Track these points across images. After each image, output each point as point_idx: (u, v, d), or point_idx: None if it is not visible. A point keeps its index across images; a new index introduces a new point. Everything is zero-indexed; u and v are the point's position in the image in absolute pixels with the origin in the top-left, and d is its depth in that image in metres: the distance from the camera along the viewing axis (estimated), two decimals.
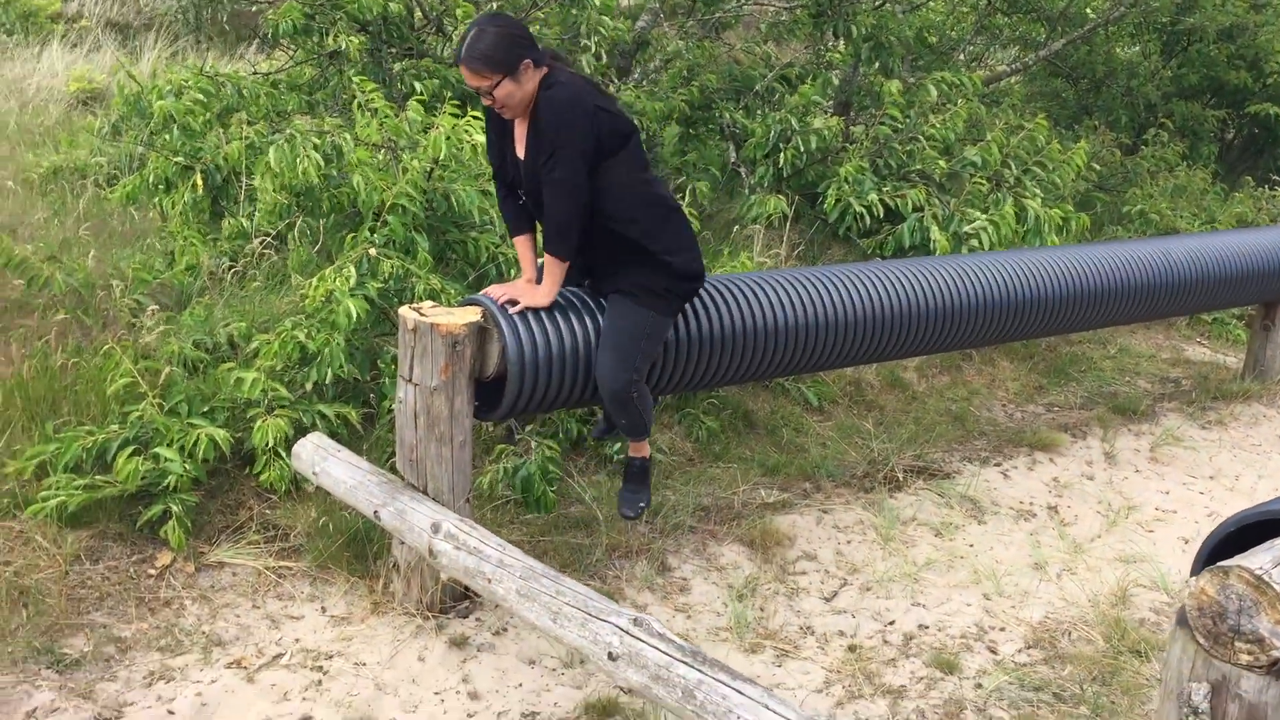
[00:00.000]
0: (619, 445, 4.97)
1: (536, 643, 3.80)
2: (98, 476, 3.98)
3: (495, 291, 3.70)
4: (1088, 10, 10.36)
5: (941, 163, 7.03)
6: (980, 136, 7.54)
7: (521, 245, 3.81)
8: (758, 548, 4.50)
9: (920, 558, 4.56)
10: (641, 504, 3.99)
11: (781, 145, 6.98)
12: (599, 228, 3.59)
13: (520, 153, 3.60)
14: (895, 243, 6.67)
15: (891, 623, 4.11)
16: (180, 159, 6.04)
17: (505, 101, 3.45)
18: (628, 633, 3.04)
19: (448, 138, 5.00)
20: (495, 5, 7.07)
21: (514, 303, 3.65)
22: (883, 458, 5.33)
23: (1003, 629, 4.12)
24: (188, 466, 4.04)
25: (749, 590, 4.21)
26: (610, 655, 3.02)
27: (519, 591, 3.29)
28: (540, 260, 3.71)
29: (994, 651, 3.97)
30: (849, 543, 4.65)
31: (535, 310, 3.68)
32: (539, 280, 3.72)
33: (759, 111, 7.37)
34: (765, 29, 7.89)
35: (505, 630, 3.87)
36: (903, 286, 4.61)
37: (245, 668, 3.57)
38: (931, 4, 8.45)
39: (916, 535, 4.76)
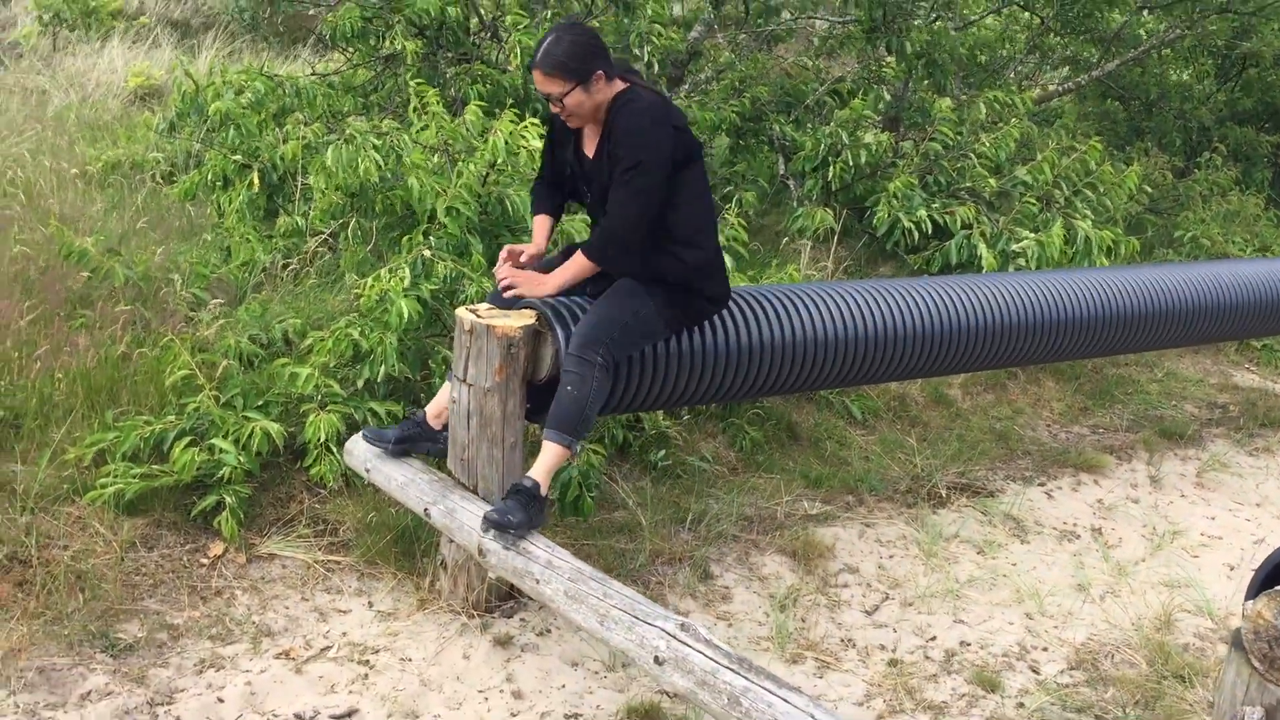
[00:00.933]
0: (664, 452, 5.00)
1: (580, 645, 3.83)
2: (154, 466, 4.06)
3: (501, 272, 3.71)
4: (1141, 32, 10.29)
5: (991, 181, 7.03)
6: (1031, 156, 7.52)
7: (541, 222, 3.83)
8: (800, 559, 4.51)
9: (962, 575, 4.56)
10: (510, 518, 3.38)
11: (831, 159, 7.00)
12: (651, 243, 3.58)
13: (590, 152, 3.62)
14: (942, 259, 6.66)
15: (933, 638, 4.11)
16: (238, 157, 6.15)
17: (574, 110, 3.47)
18: (674, 637, 3.07)
19: (505, 142, 5.06)
20: (550, 14, 7.13)
21: (512, 288, 3.66)
22: (926, 473, 5.33)
23: (1045, 649, 4.11)
24: (242, 459, 4.11)
25: (791, 601, 4.23)
26: (657, 659, 3.05)
27: (567, 593, 3.33)
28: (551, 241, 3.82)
29: (1036, 671, 3.96)
30: (891, 557, 4.66)
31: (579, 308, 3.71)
32: (545, 266, 3.74)
33: (809, 124, 7.39)
34: (818, 43, 7.91)
35: (549, 631, 3.90)
36: (949, 303, 4.61)
37: (293, 659, 3.62)
38: (984, 22, 8.43)
39: (959, 552, 4.75)
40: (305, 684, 3.52)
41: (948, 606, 4.32)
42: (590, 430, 3.60)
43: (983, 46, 8.47)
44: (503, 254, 3.78)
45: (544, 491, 3.53)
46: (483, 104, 5.94)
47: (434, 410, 3.90)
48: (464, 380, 3.72)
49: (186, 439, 4.11)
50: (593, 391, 3.50)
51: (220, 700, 3.39)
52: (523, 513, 3.43)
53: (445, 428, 3.87)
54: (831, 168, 6.94)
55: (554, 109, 3.50)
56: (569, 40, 3.42)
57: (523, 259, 3.78)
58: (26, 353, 4.44)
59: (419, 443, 3.91)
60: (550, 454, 3.54)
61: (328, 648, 3.70)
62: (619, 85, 3.51)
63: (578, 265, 3.61)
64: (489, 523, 3.42)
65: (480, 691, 3.57)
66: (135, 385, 4.42)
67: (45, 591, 3.62)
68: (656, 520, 4.57)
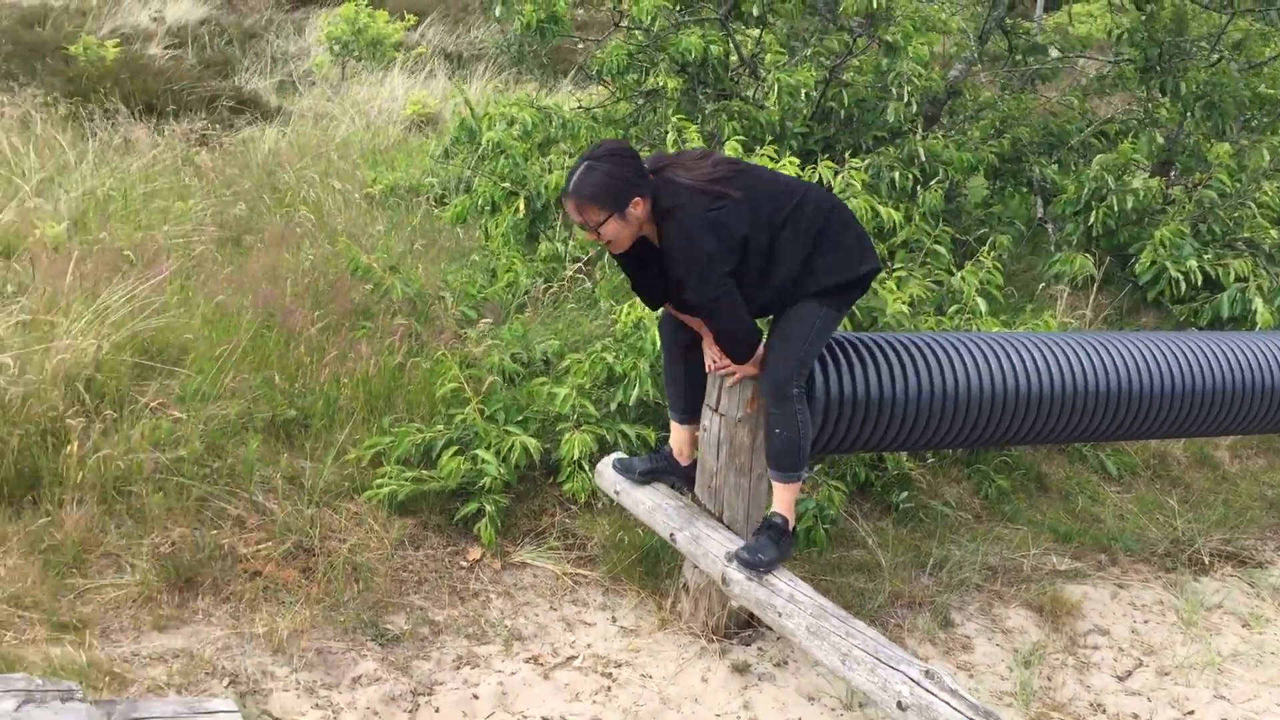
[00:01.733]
0: (906, 494, 4.96)
1: (817, 680, 3.85)
2: (424, 471, 4.35)
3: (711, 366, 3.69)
4: None
5: (1273, 232, 6.61)
6: None
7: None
8: (1046, 615, 4.37)
9: (1225, 648, 4.30)
10: (761, 557, 3.50)
11: (1094, 203, 6.75)
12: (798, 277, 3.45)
13: (656, 242, 3.45)
14: (1212, 312, 6.32)
15: (1191, 712, 3.89)
16: (507, 184, 6.50)
17: (612, 238, 3.34)
18: (919, 684, 3.06)
19: None
20: (810, 51, 7.21)
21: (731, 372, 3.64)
22: (1187, 538, 5.05)
23: None
24: (501, 470, 4.34)
25: (1036, 657, 4.10)
26: (900, 705, 3.04)
27: (808, 629, 3.36)
28: None
29: None
30: (1145, 622, 4.44)
31: (841, 351, 3.75)
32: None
33: (1072, 167, 7.16)
34: (1086, 83, 7.65)
35: (785, 663, 3.94)
36: (1219, 359, 4.36)
37: (541, 664, 3.80)
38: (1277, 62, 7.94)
39: (1221, 623, 4.48)
40: (552, 690, 3.68)
41: (1208, 680, 4.09)
42: (808, 457, 3.62)
43: (1272, 84, 7.94)
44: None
45: (792, 525, 3.60)
46: (740, 139, 6.07)
47: (677, 449, 3.99)
48: (716, 410, 3.81)
49: (453, 448, 4.39)
50: (800, 425, 3.52)
51: (475, 697, 3.59)
52: (774, 549, 3.51)
53: (693, 464, 3.98)
54: (1094, 212, 6.69)
55: (589, 236, 3.38)
56: (602, 171, 3.26)
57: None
58: (316, 359, 4.84)
59: (665, 475, 4.02)
60: (783, 491, 3.63)
61: (573, 657, 3.86)
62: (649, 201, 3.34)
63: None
64: (741, 562, 3.51)
65: (717, 715, 3.64)
66: (409, 394, 4.74)
67: (326, 580, 3.94)
68: (897, 562, 4.53)
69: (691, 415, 3.89)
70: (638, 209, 3.30)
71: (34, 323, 4.69)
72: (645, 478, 4.02)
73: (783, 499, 3.64)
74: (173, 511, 4.03)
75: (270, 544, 4.01)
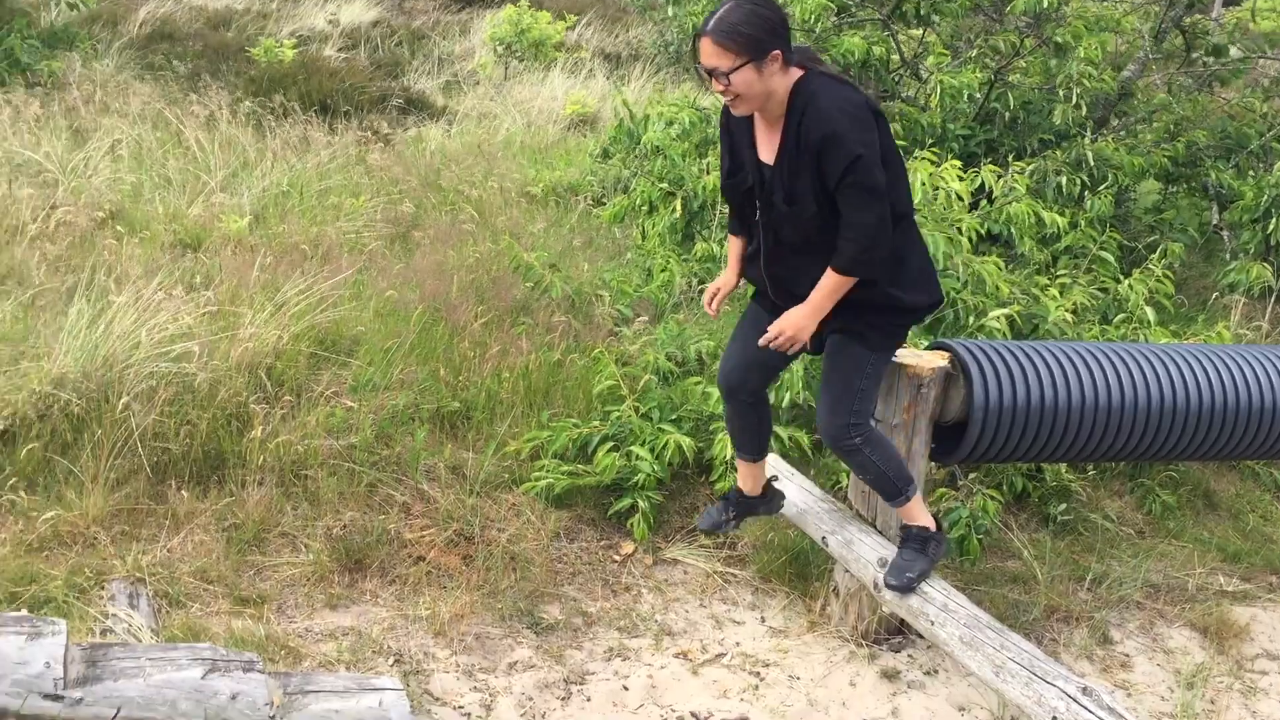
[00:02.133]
0: (1065, 506, 4.85)
1: (967, 691, 3.82)
2: (580, 465, 4.47)
3: (763, 339, 3.28)
4: None
5: None
6: None
7: (736, 246, 3.49)
8: (1211, 636, 4.23)
9: None
10: (909, 576, 3.46)
11: (1275, 210, 6.45)
12: (826, 245, 3.13)
13: (766, 157, 3.17)
14: None
15: None
16: (664, 184, 6.59)
17: (742, 91, 3.00)
18: (1075, 700, 3.02)
19: (922, 182, 5.11)
20: (974, 52, 7.08)
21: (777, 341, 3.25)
22: None
23: None
24: (655, 467, 4.42)
25: (1200, 680, 3.97)
26: None
27: (961, 639, 3.34)
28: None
29: None
30: None
31: (1001, 359, 3.70)
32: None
33: (1251, 173, 6.86)
34: (1268, 83, 7.31)
35: (935, 672, 3.91)
36: None
37: (690, 660, 3.87)
38: None
39: None
40: (700, 685, 3.75)
41: None
42: (909, 472, 3.54)
43: None
44: (707, 296, 3.57)
45: (932, 527, 3.58)
46: (901, 142, 6.01)
47: (749, 486, 3.79)
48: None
49: (609, 444, 4.49)
50: (877, 461, 3.42)
51: (625, 688, 3.69)
52: (922, 559, 3.50)
53: (766, 489, 3.82)
54: (1274, 220, 6.39)
55: (717, 87, 3.02)
56: (749, 9, 2.97)
57: (718, 297, 3.53)
58: (479, 353, 5.01)
59: (747, 515, 3.87)
60: (906, 508, 3.56)
61: (722, 654, 3.92)
62: (795, 74, 3.05)
63: (834, 284, 3.14)
64: (890, 588, 3.49)
65: None
66: (567, 390, 4.88)
67: (485, 567, 4.09)
68: (1053, 575, 4.44)
69: (761, 454, 3.74)
70: (775, 65, 3.00)
71: (220, 313, 4.99)
72: (734, 524, 3.85)
73: (909, 512, 3.56)
74: (344, 496, 4.24)
75: (433, 531, 4.18)
